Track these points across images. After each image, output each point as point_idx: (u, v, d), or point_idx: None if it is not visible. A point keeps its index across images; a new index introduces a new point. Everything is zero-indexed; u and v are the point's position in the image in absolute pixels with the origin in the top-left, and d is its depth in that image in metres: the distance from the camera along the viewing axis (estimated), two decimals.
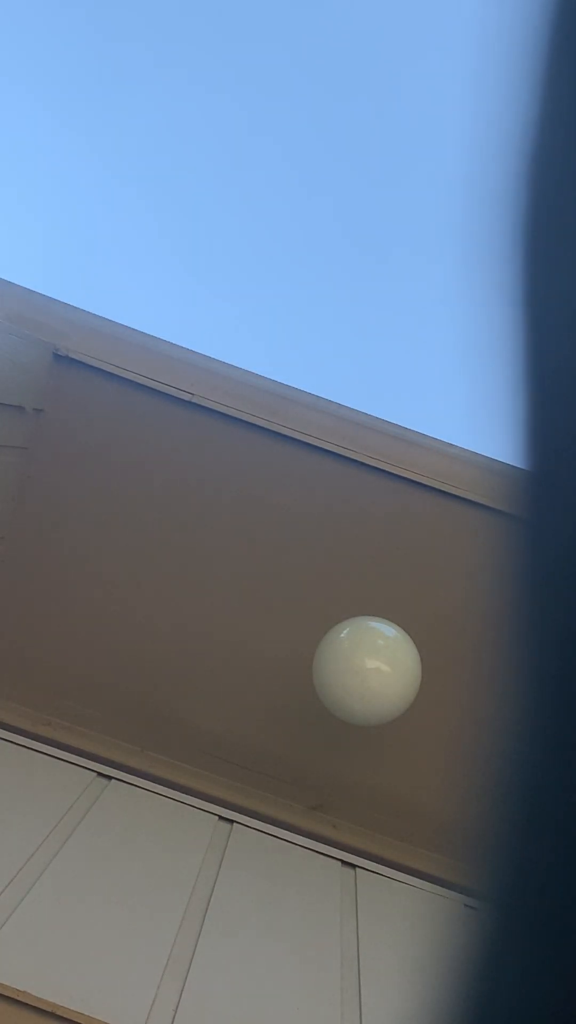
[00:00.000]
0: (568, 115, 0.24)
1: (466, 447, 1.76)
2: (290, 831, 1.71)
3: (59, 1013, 1.08)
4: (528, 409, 0.25)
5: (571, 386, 0.24)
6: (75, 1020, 1.08)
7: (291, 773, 1.81)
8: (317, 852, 1.68)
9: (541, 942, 0.22)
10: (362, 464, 1.75)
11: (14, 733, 1.70)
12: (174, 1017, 1.13)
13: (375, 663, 1.64)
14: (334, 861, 1.67)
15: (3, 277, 1.74)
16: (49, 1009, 1.08)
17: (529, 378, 0.25)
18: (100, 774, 1.68)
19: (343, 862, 1.68)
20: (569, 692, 0.22)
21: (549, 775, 0.22)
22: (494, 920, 0.23)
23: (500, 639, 0.25)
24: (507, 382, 0.26)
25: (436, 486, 1.73)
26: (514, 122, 0.26)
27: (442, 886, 1.69)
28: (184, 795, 1.70)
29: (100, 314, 1.77)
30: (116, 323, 1.77)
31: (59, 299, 1.75)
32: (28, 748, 1.67)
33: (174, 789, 1.71)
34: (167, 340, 1.77)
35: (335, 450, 1.75)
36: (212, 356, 1.78)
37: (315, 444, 1.75)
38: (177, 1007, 1.15)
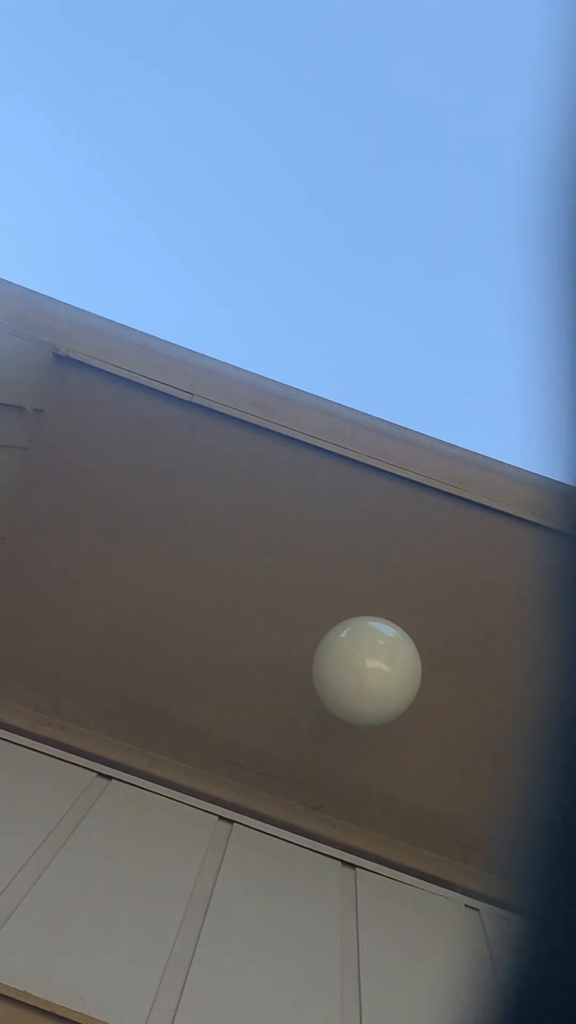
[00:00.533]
0: None
1: (467, 448, 1.76)
2: (290, 831, 1.71)
3: (59, 1013, 1.08)
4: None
5: None
6: (75, 1020, 1.08)
7: (291, 773, 1.81)
8: (317, 852, 1.68)
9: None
10: (362, 464, 1.75)
11: (14, 733, 1.70)
12: (174, 1017, 1.13)
13: (375, 663, 1.64)
14: (334, 861, 1.67)
15: (3, 277, 1.74)
16: (49, 1009, 1.08)
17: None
18: (100, 774, 1.68)
19: (343, 862, 1.68)
20: None
21: None
22: (536, 922, 0.23)
23: (539, 649, 0.24)
24: (559, 391, 0.25)
25: (436, 486, 1.73)
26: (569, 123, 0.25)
27: (442, 886, 1.69)
28: (184, 795, 1.70)
29: (100, 314, 1.77)
30: (116, 323, 1.77)
31: (59, 299, 1.75)
32: (28, 748, 1.67)
33: (174, 789, 1.71)
34: (167, 340, 1.78)
35: (335, 450, 1.75)
36: (212, 356, 1.78)
37: (315, 444, 1.75)
38: (177, 1007, 1.15)
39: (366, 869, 1.68)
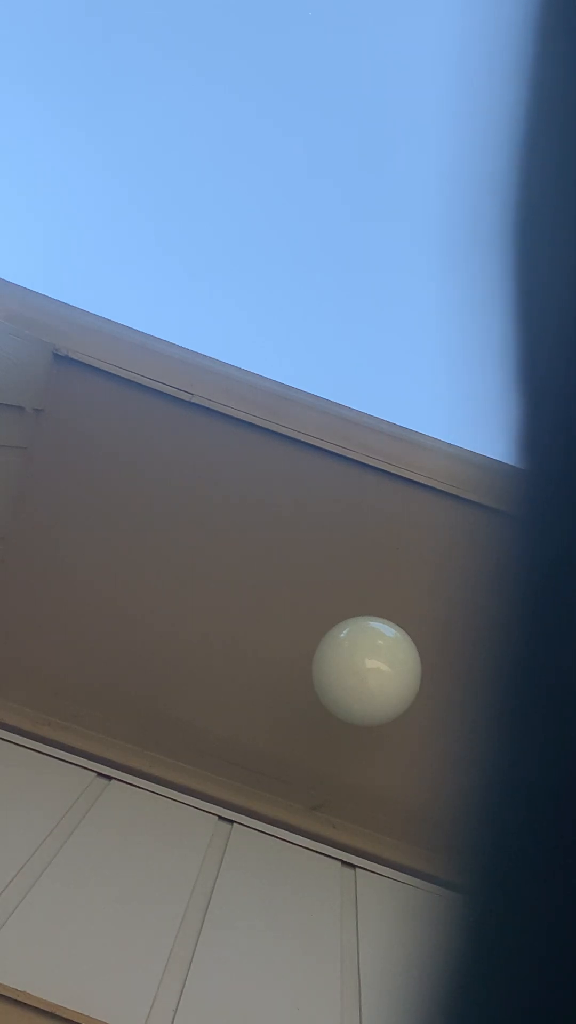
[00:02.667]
0: (559, 104, 0.24)
1: (466, 447, 1.76)
2: (290, 831, 1.71)
3: (59, 1013, 1.08)
4: (521, 406, 0.25)
5: (564, 381, 0.24)
6: (75, 1020, 1.08)
7: (291, 773, 1.81)
8: (317, 852, 1.68)
9: (523, 935, 0.22)
10: (362, 464, 1.75)
11: (14, 733, 1.70)
12: (174, 1017, 1.13)
13: (375, 663, 1.64)
14: (334, 861, 1.67)
15: (3, 277, 1.74)
16: (49, 1009, 1.08)
17: (521, 374, 0.25)
18: (100, 774, 1.68)
19: (343, 862, 1.68)
20: (564, 690, 0.22)
21: (541, 769, 0.22)
22: (476, 915, 0.24)
23: (492, 637, 0.25)
24: (500, 378, 0.26)
25: (436, 486, 1.73)
26: (504, 111, 0.25)
27: (442, 886, 1.69)
28: (184, 795, 1.70)
29: (100, 314, 1.77)
30: (116, 323, 1.77)
31: (59, 299, 1.75)
32: (28, 748, 1.67)
33: (174, 789, 1.71)
34: (167, 340, 1.77)
35: (335, 450, 1.75)
36: (212, 356, 1.78)
37: (315, 444, 1.75)
38: (177, 1007, 1.15)
39: (366, 869, 1.68)
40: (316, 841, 1.71)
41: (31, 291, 1.75)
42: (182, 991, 1.18)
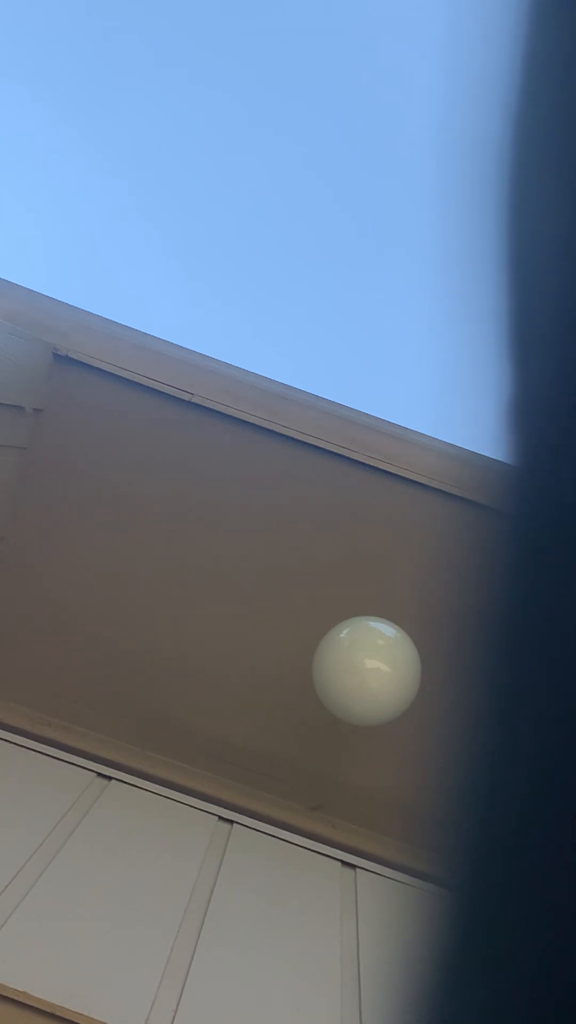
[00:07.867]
0: (553, 72, 0.24)
1: (467, 447, 1.76)
2: (290, 831, 1.71)
3: (59, 1013, 1.08)
4: (514, 368, 0.25)
5: (557, 342, 0.23)
6: (75, 1020, 1.08)
7: (291, 773, 1.81)
8: (317, 852, 1.68)
9: (503, 941, 0.22)
10: (362, 464, 1.75)
11: (14, 733, 1.70)
12: (174, 1017, 1.13)
13: (375, 663, 1.64)
14: (334, 861, 1.67)
15: (3, 277, 1.74)
16: (49, 1009, 1.08)
17: (514, 336, 0.25)
18: (100, 774, 1.68)
19: (343, 862, 1.68)
20: (559, 672, 0.22)
21: (527, 768, 0.22)
22: (458, 917, 0.24)
23: (487, 619, 0.25)
24: (493, 345, 0.26)
25: (436, 486, 1.73)
26: (497, 81, 0.25)
27: (441, 886, 1.69)
28: (184, 795, 1.70)
29: (100, 314, 1.77)
30: (116, 323, 1.77)
31: (59, 299, 1.75)
32: (28, 748, 1.67)
33: (174, 789, 1.71)
34: (167, 340, 1.78)
35: (335, 450, 1.75)
36: (212, 356, 1.78)
37: (315, 444, 1.75)
38: (177, 1007, 1.15)
39: (366, 869, 1.68)
40: (316, 841, 1.71)
41: (31, 291, 1.75)
42: (182, 991, 1.18)
